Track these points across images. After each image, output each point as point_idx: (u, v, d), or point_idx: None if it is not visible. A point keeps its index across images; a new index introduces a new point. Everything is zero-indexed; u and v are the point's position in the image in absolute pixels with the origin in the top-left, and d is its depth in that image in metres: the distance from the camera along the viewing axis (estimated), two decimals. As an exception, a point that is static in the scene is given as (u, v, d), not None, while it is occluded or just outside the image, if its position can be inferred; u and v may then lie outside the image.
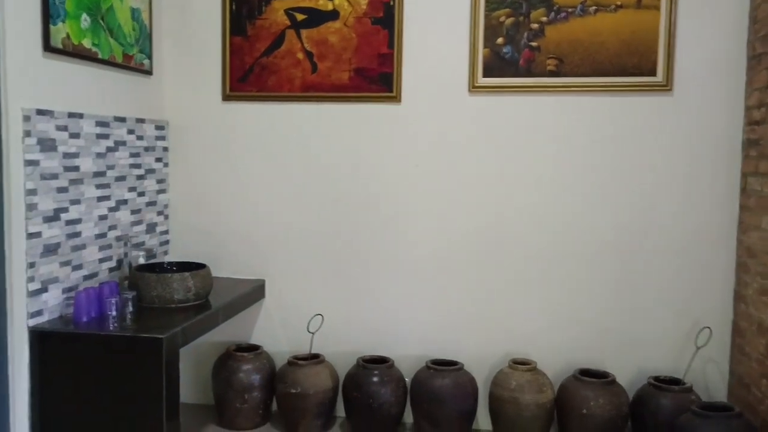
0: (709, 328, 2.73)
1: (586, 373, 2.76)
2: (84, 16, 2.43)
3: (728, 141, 2.72)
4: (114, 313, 2.34)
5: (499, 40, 2.84)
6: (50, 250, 2.28)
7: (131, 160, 2.77)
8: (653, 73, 2.74)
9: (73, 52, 2.38)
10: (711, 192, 2.75)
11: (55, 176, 2.30)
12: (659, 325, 2.81)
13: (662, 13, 2.71)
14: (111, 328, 2.27)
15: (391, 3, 2.88)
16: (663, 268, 2.80)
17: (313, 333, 2.93)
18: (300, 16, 2.95)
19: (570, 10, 2.78)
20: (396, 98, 2.92)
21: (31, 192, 2.19)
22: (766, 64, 2.49)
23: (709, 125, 2.73)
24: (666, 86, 2.73)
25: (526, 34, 2.82)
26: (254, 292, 2.95)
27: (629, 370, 2.83)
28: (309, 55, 2.96)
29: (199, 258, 3.00)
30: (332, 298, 3.02)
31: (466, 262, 2.93)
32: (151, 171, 2.92)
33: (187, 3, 3.01)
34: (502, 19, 2.83)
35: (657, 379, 2.71)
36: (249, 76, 3.00)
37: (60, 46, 2.31)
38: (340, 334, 3.01)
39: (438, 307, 2.96)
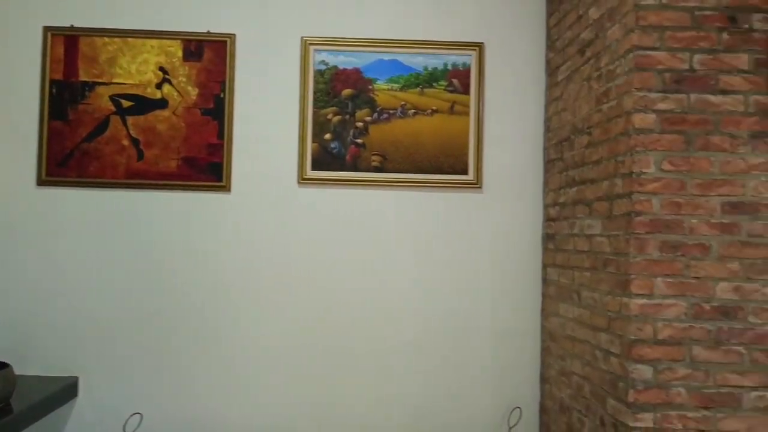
0: (519, 408, 2.93)
1: (410, 458, 2.83)
2: None
3: (531, 235, 3.01)
4: None
5: (327, 136, 2.97)
6: None
7: (-76, 250, 2.52)
8: (465, 172, 2.99)
9: None
10: (519, 281, 3.00)
11: None
12: (477, 407, 2.97)
13: (471, 119, 2.99)
14: None
15: (222, 95, 2.93)
16: (479, 354, 2.98)
17: (130, 433, 2.76)
18: (126, 103, 2.91)
19: (391, 111, 2.99)
20: (226, 188, 2.93)
21: None
22: (560, 168, 2.82)
23: (515, 220, 3.01)
24: (477, 184, 2.99)
25: (352, 132, 2.98)
26: (65, 391, 2.74)
27: (451, 453, 2.95)
28: (135, 142, 2.90)
29: (2, 354, 2.75)
30: (153, 395, 2.87)
31: (296, 354, 2.93)
32: (-52, 261, 2.67)
33: (1, 85, 2.86)
34: (329, 116, 2.97)
35: (475, 460, 2.85)
36: (69, 161, 2.88)
37: None
38: (161, 432, 2.86)
39: (269, 402, 2.92)
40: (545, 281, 2.96)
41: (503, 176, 3.01)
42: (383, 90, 2.99)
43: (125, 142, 2.90)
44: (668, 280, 2.12)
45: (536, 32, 3.01)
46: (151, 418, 2.84)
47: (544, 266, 2.97)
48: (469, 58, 3.00)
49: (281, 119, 2.97)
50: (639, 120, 2.14)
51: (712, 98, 2.13)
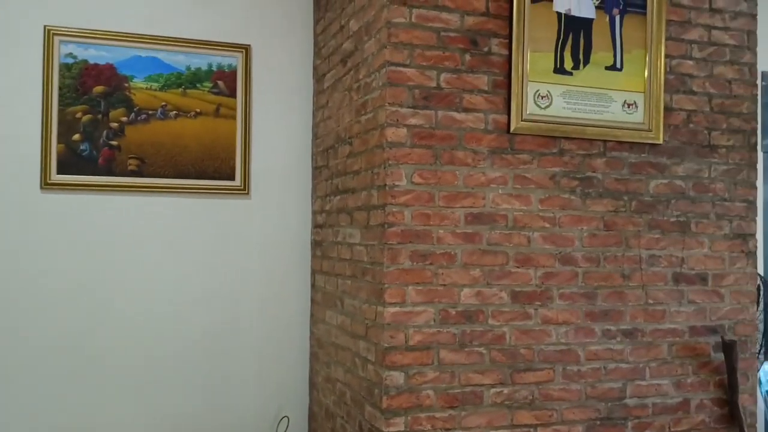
0: (287, 417, 2.91)
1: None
2: None
3: (300, 242, 3.00)
4: None
5: (76, 137, 2.70)
6: None
7: None
8: (232, 177, 2.89)
9: None
10: (288, 288, 2.97)
11: None
12: (244, 417, 2.89)
13: (238, 123, 2.90)
14: None
15: (-58, 86, 2.53)
16: (247, 364, 2.91)
17: None
18: None
19: (151, 112, 2.79)
20: (-51, 193, 2.55)
21: None
22: (326, 175, 2.83)
23: (284, 227, 2.98)
24: (244, 190, 2.90)
25: (105, 133, 2.74)
26: None
27: (218, 469, 2.85)
28: None
29: None
30: None
31: (48, 378, 2.64)
32: None
33: None
34: (78, 115, 2.70)
35: (243, 474, 2.78)
36: None
37: None
38: None
39: (22, 424, 2.59)
40: (314, 287, 2.97)
41: (271, 182, 2.96)
42: (141, 89, 2.78)
43: None
44: (418, 288, 2.22)
45: (304, 38, 2.99)
46: None
47: (313, 272, 2.98)
48: (236, 60, 2.90)
49: (20, 117, 2.64)
50: (391, 134, 2.20)
51: (456, 115, 2.26)
